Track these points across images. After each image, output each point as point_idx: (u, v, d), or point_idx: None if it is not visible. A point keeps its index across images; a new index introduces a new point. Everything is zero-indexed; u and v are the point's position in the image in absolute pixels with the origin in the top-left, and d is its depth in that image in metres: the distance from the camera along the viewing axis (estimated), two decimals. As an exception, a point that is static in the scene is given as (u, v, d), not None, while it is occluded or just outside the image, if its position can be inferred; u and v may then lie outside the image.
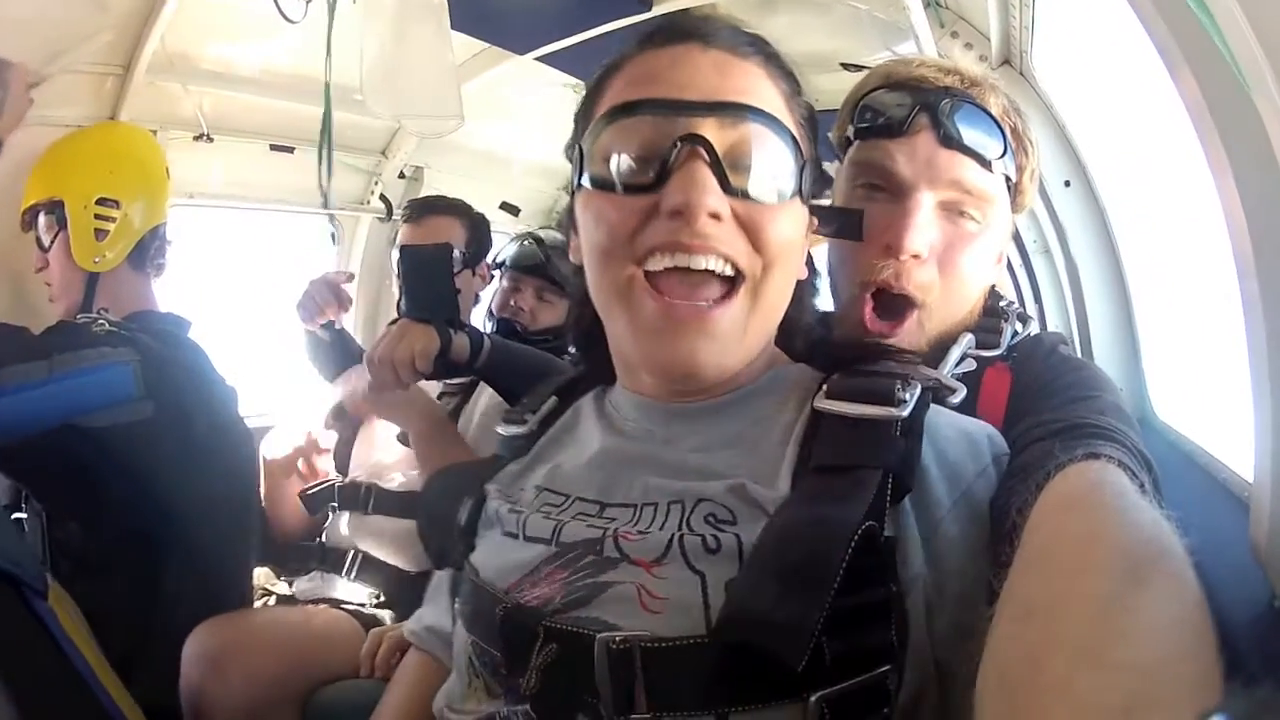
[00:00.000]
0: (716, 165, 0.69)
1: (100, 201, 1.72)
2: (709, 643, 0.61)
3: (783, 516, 0.65)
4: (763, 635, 0.58)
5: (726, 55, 0.73)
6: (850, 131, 1.02)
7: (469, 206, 2.06)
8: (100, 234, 1.73)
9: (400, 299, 1.42)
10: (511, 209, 3.32)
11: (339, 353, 2.01)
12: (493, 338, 1.42)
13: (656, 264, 0.71)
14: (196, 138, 2.28)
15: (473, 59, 2.61)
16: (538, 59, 2.61)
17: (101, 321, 1.56)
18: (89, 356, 1.46)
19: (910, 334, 0.97)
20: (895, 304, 0.97)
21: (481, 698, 0.73)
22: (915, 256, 0.95)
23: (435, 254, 1.52)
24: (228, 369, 1.75)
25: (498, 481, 0.87)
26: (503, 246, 2.28)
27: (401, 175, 3.00)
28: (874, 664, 0.62)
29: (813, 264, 0.84)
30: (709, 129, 0.70)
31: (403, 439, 1.74)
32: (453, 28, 1.97)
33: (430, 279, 1.42)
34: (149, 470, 1.50)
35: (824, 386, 0.74)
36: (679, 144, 0.69)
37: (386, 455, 1.88)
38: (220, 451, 1.67)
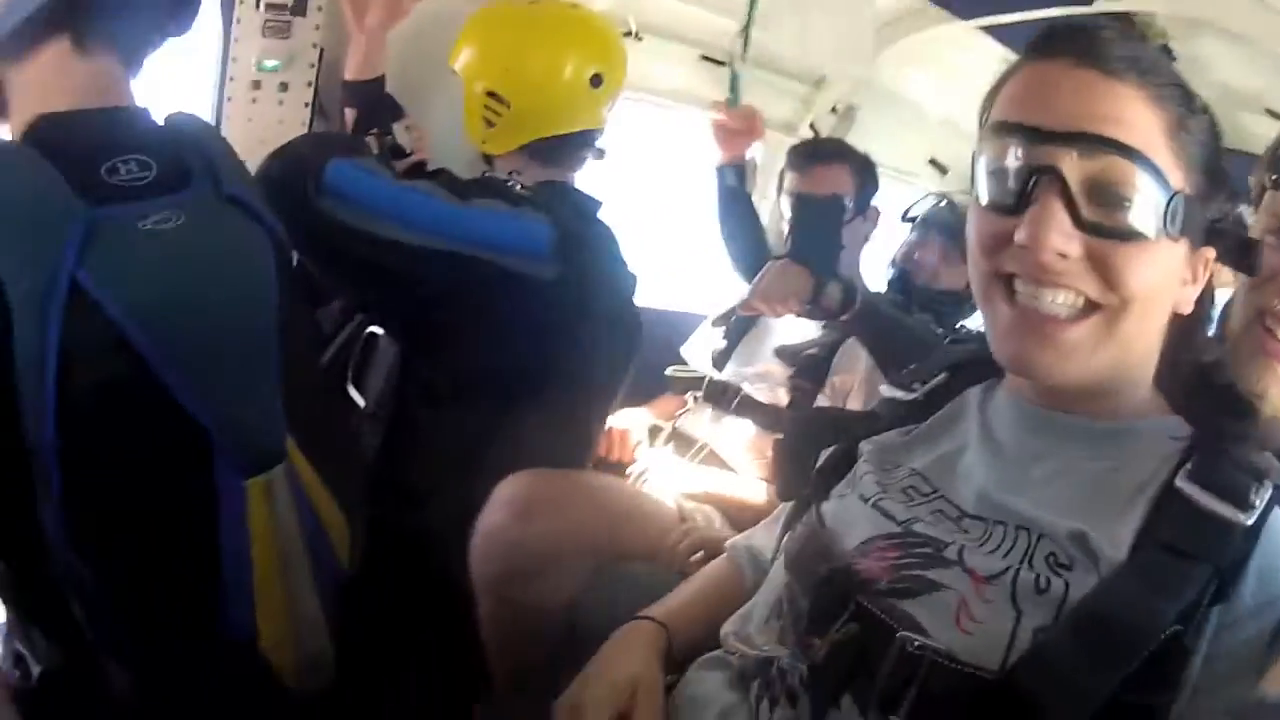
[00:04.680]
0: (1069, 199, 0.69)
1: (489, 94, 1.62)
2: (994, 680, 0.63)
3: (1114, 585, 0.66)
4: (1052, 694, 0.61)
5: (1095, 75, 0.70)
6: (1265, 180, 0.95)
7: (854, 151, 2.01)
8: (488, 123, 1.64)
9: (787, 239, 1.51)
10: (940, 167, 3.17)
11: (744, 206, 2.03)
12: (867, 297, 1.47)
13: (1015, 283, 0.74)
14: (625, 34, 2.14)
15: (919, 11, 2.46)
16: (980, 28, 2.42)
17: (513, 183, 1.54)
18: (510, 207, 1.46)
19: None
20: None
21: (772, 639, 0.77)
22: None
23: (829, 206, 1.63)
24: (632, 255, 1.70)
25: (874, 444, 0.89)
26: (916, 201, 2.27)
27: (833, 110, 2.90)
28: None
29: (1210, 298, 0.82)
30: (1066, 160, 0.69)
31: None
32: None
33: (819, 229, 1.51)
34: (534, 330, 1.49)
35: (1188, 465, 0.72)
36: (1034, 175, 0.70)
37: (764, 367, 1.89)
38: (608, 336, 1.63)
